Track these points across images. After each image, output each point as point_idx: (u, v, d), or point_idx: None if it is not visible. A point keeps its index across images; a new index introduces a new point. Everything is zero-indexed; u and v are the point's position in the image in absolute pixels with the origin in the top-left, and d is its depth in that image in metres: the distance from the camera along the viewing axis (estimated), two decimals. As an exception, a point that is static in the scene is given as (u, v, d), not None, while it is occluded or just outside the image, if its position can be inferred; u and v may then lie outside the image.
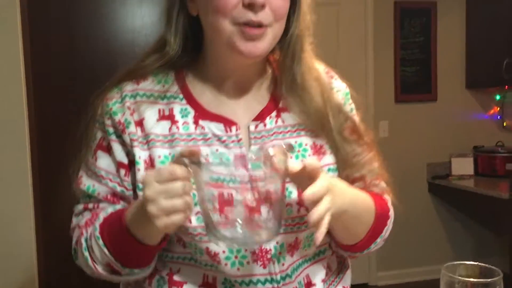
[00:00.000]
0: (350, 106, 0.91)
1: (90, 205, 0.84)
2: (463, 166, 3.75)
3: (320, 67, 0.89)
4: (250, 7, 0.74)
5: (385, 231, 0.89)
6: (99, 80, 0.87)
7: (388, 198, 0.90)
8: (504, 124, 3.88)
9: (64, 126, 1.52)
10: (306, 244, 0.84)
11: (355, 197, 0.80)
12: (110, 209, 0.81)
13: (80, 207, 0.86)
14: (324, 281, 0.87)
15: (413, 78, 3.74)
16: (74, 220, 0.86)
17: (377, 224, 0.86)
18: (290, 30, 0.80)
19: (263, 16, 0.75)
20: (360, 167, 0.87)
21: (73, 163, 0.87)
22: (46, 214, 1.92)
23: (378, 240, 0.88)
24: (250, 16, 0.74)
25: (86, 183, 0.83)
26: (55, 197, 1.15)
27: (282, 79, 0.83)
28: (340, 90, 0.90)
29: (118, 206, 0.81)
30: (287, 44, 0.81)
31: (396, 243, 3.72)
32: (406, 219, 3.69)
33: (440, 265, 3.06)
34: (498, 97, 3.87)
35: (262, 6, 0.74)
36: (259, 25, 0.75)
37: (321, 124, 0.82)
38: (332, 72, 0.92)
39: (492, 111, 3.92)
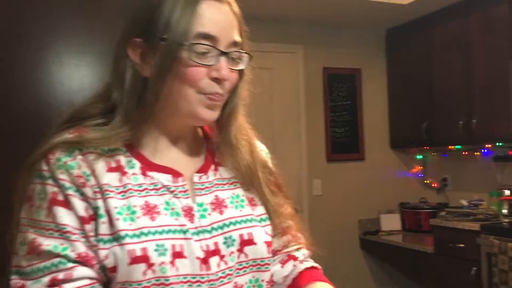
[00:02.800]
0: (271, 164, 1.00)
1: (60, 276, 0.74)
2: (391, 222, 3.93)
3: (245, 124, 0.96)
4: (217, 81, 0.82)
5: None
6: (33, 140, 0.83)
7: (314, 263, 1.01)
8: (426, 182, 4.15)
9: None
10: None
11: None
12: None
13: (42, 285, 0.75)
14: None
15: (343, 139, 3.95)
16: None
17: None
18: (234, 98, 0.88)
19: (226, 89, 0.84)
20: (286, 217, 0.95)
21: (8, 230, 0.80)
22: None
23: None
24: (217, 88, 0.82)
25: (50, 243, 0.75)
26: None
27: (217, 138, 0.90)
28: (262, 150, 1.00)
29: (89, 272, 0.76)
30: (228, 110, 0.88)
31: (332, 300, 3.76)
32: (339, 274, 3.77)
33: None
34: (419, 156, 4.16)
35: (225, 80, 0.83)
36: (221, 95, 0.83)
37: (251, 179, 0.90)
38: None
39: (415, 170, 4.19)
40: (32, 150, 0.82)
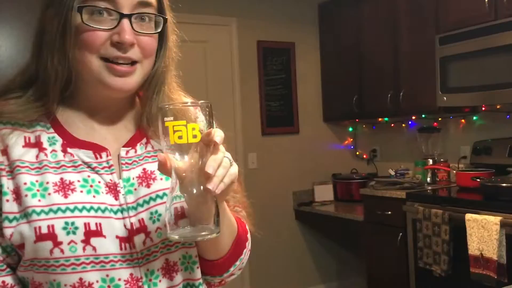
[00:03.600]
0: None
1: None
2: (324, 193, 4.05)
3: (186, 100, 0.93)
4: (118, 46, 0.76)
5: (244, 255, 0.92)
6: None
7: (246, 225, 0.95)
8: (357, 153, 4.31)
9: None
10: (186, 265, 0.85)
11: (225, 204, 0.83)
12: None
13: None
14: None
15: (277, 113, 3.99)
16: None
17: (238, 242, 0.89)
18: (155, 64, 0.84)
19: (132, 53, 0.78)
20: None
21: None
22: None
23: (237, 263, 0.91)
24: (119, 53, 0.77)
25: None
26: None
27: (143, 110, 0.87)
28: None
29: None
30: (150, 77, 0.84)
31: (267, 269, 3.86)
32: (275, 245, 3.87)
33: (308, 287, 3.28)
34: (350, 129, 4.30)
35: (131, 45, 0.77)
36: (129, 62, 0.78)
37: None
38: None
39: (346, 142, 4.33)
40: None
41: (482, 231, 2.41)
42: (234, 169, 0.73)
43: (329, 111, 4.16)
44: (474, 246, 2.45)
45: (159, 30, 0.82)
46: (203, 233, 0.71)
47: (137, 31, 0.78)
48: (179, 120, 0.68)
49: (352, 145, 4.33)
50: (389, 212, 3.14)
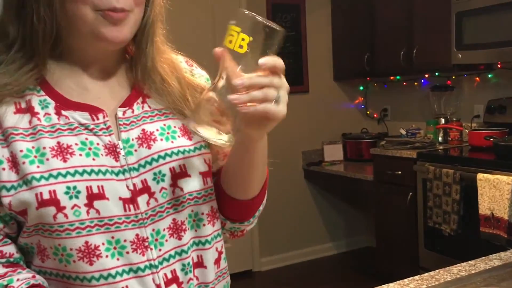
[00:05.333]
0: None
1: None
2: (334, 152, 4.04)
3: (179, 57, 0.91)
4: None
5: (265, 201, 0.93)
6: None
7: None
8: (368, 113, 4.26)
9: None
10: (192, 224, 0.84)
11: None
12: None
13: None
14: (216, 263, 0.88)
15: (286, 71, 3.84)
16: None
17: (265, 185, 0.90)
18: (145, 15, 0.80)
19: (124, 2, 0.74)
20: None
21: None
22: None
23: (261, 208, 0.92)
24: (113, 2, 0.73)
25: None
26: None
27: (136, 64, 0.83)
28: (202, 75, 0.92)
29: None
30: (141, 29, 0.81)
31: (276, 228, 3.90)
32: (284, 205, 3.89)
33: (316, 246, 3.30)
34: (361, 87, 4.23)
35: None
36: (122, 10, 0.74)
37: (182, 105, 0.84)
38: (192, 61, 0.94)
39: (357, 101, 4.27)
40: None
41: (494, 191, 2.39)
42: (279, 108, 0.70)
43: (339, 69, 4.08)
44: (485, 206, 2.43)
45: None
46: (213, 138, 0.72)
47: None
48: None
49: (362, 104, 4.28)
50: (399, 172, 3.12)
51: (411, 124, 3.64)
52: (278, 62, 0.70)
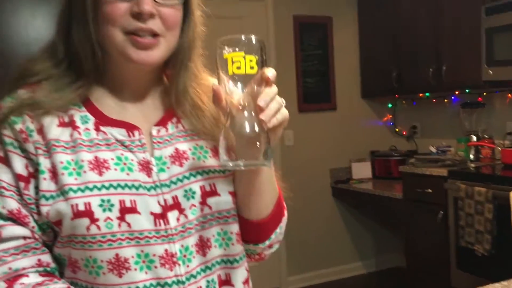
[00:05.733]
0: None
1: None
2: (362, 170, 4.00)
3: (212, 79, 0.92)
4: (138, 16, 0.76)
5: (283, 223, 0.92)
6: None
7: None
8: (396, 130, 4.21)
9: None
10: (220, 242, 0.85)
11: None
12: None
13: None
14: (245, 283, 0.88)
15: (314, 89, 3.93)
16: None
17: (279, 204, 0.90)
18: (180, 39, 0.83)
19: (153, 24, 0.77)
20: None
21: None
22: None
23: (278, 230, 0.91)
24: (139, 24, 0.76)
25: None
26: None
27: (170, 87, 0.86)
28: None
29: (21, 230, 0.76)
30: (176, 53, 0.83)
31: (304, 247, 3.87)
32: (312, 223, 3.87)
33: (345, 265, 3.26)
34: (390, 105, 4.20)
35: (151, 16, 0.76)
36: (151, 34, 0.77)
37: (214, 127, 0.86)
38: None
39: (385, 118, 4.24)
40: None
41: (529, 210, 2.32)
42: (286, 111, 0.76)
43: (367, 87, 4.07)
44: (519, 226, 2.36)
45: (181, 1, 0.81)
46: (254, 162, 0.75)
47: (158, 2, 0.77)
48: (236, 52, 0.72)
49: (391, 122, 4.24)
50: (430, 190, 3.07)
51: (441, 142, 3.58)
52: (274, 71, 0.75)
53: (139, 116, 0.84)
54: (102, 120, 0.81)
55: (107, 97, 0.84)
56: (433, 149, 3.48)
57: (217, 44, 0.73)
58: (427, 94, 3.75)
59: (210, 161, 0.85)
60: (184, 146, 0.84)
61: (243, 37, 0.73)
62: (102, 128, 0.80)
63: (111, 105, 0.83)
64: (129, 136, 0.81)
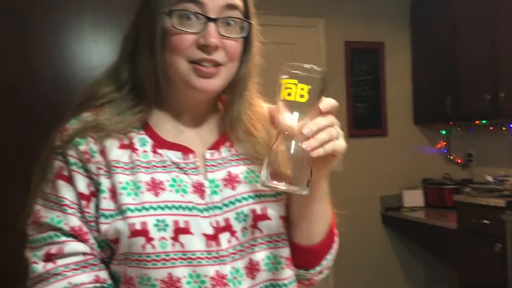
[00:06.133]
0: None
1: (53, 250, 0.79)
2: (414, 198, 3.89)
3: (265, 106, 0.95)
4: (204, 48, 0.80)
5: (333, 249, 0.93)
6: (56, 113, 0.86)
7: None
8: (451, 157, 4.08)
9: (15, 160, 1.49)
10: (270, 266, 0.86)
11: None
12: None
13: (38, 259, 0.79)
14: None
15: (365, 114, 3.90)
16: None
17: (331, 231, 0.91)
18: (239, 69, 0.86)
19: (217, 55, 0.81)
20: None
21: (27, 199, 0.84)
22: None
23: (328, 256, 0.92)
24: (204, 55, 0.80)
25: (48, 215, 0.80)
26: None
27: (225, 114, 0.89)
28: None
29: (81, 247, 0.79)
30: (234, 81, 0.87)
31: (353, 275, 3.78)
32: (361, 250, 3.78)
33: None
34: (443, 131, 4.09)
35: (216, 48, 0.80)
36: (214, 64, 0.81)
37: (266, 153, 0.88)
38: None
39: (439, 145, 4.12)
40: (55, 124, 0.86)
41: None
42: (341, 142, 0.76)
43: (420, 113, 3.99)
44: None
45: (244, 35, 0.84)
46: (291, 188, 0.76)
47: (223, 35, 0.80)
48: (292, 79, 0.74)
49: (445, 149, 4.12)
50: (486, 221, 2.94)
51: (498, 171, 3.44)
52: (335, 103, 0.76)
53: (194, 140, 0.87)
54: (159, 142, 0.85)
55: (165, 121, 0.87)
56: (489, 178, 3.34)
57: (281, 69, 0.76)
58: (483, 121, 3.63)
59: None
60: (236, 170, 0.86)
61: (304, 66, 0.75)
62: (159, 150, 0.84)
63: (168, 128, 0.87)
64: (184, 158, 0.84)
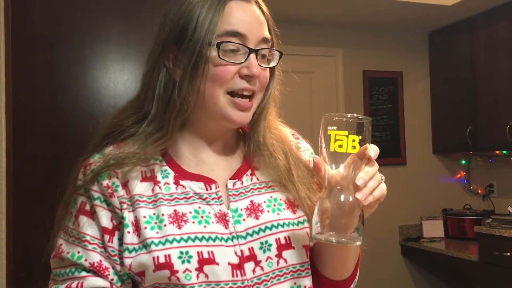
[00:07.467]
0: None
1: (74, 284, 0.80)
2: (433, 229, 3.82)
3: (286, 130, 0.97)
4: (247, 78, 0.82)
5: (356, 278, 0.94)
6: (80, 141, 0.88)
7: None
8: (471, 188, 4.02)
9: (42, 190, 1.52)
10: None
11: None
12: None
13: None
14: None
15: (383, 143, 3.88)
16: None
17: (358, 264, 0.93)
18: (264, 97, 0.88)
19: (254, 84, 0.83)
20: None
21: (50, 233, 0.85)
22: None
23: (352, 286, 0.93)
24: (246, 85, 0.82)
25: (69, 250, 0.81)
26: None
27: (249, 139, 0.90)
28: (307, 149, 0.98)
29: (101, 282, 0.80)
30: (259, 109, 0.88)
31: (371, 307, 3.70)
32: (380, 281, 3.71)
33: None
34: (463, 161, 4.04)
35: (257, 77, 0.83)
36: (250, 95, 0.83)
37: (287, 179, 0.89)
38: (298, 134, 1.01)
39: (459, 175, 4.07)
40: (77, 155, 0.87)
41: None
42: (384, 186, 0.78)
43: (439, 142, 3.95)
44: None
45: (275, 64, 0.87)
46: (345, 239, 0.76)
47: (260, 65, 0.83)
48: (340, 130, 0.74)
49: (465, 179, 4.06)
50: (508, 254, 2.87)
51: (520, 202, 3.37)
52: (377, 149, 0.76)
53: (215, 169, 0.88)
54: (181, 174, 0.85)
55: (186, 150, 0.88)
56: (511, 210, 3.28)
57: (323, 119, 0.76)
58: (504, 151, 3.58)
59: (285, 213, 0.87)
60: (259, 199, 0.87)
61: (349, 116, 0.76)
62: (181, 182, 0.84)
63: (189, 158, 0.87)
64: (207, 189, 0.84)
